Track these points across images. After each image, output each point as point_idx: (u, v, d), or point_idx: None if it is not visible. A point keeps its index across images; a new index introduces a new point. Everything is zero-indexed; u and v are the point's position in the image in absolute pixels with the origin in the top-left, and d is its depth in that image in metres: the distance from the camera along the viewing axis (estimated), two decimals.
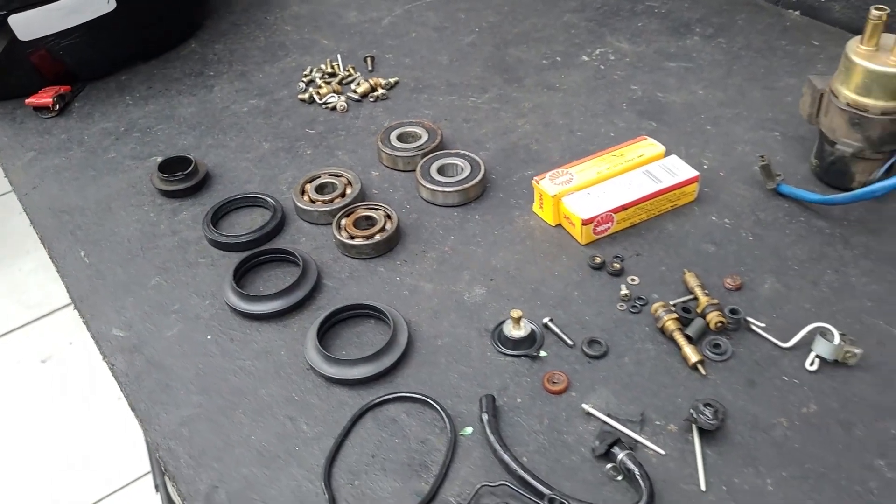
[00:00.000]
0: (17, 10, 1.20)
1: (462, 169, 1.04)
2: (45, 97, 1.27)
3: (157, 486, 2.26)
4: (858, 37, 0.91)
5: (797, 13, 1.32)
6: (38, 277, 2.62)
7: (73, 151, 1.19)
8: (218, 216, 1.03)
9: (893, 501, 0.68)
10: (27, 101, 1.27)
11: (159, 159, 1.11)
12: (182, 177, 1.08)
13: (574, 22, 1.37)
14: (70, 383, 2.29)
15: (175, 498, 1.75)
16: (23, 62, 1.26)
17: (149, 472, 2.26)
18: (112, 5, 1.25)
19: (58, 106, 1.27)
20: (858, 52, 0.90)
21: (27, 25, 1.22)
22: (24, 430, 2.15)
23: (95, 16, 1.25)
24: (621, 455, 0.71)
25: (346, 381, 0.81)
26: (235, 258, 0.95)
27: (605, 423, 0.76)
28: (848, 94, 0.91)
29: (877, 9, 0.87)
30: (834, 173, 0.97)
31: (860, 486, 0.69)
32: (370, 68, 1.30)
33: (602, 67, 1.25)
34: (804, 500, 0.68)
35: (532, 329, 0.84)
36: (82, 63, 1.31)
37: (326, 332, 0.87)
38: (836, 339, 0.78)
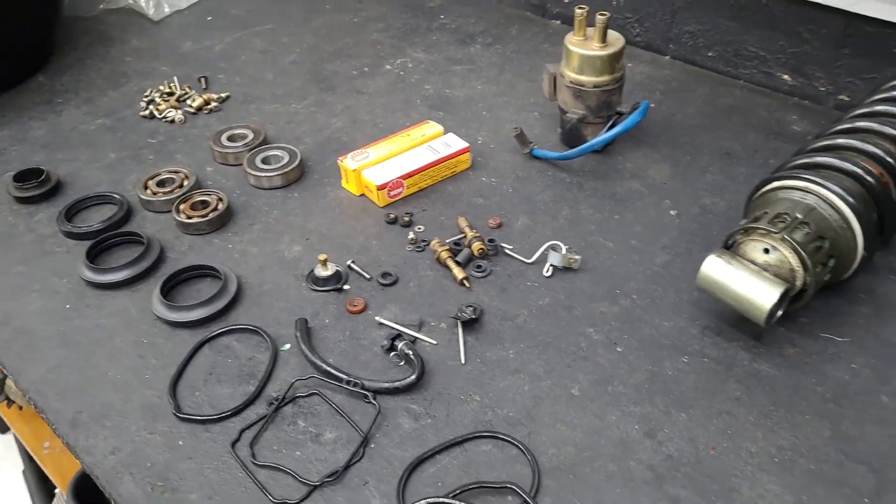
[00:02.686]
0: None
1: (282, 158, 1.25)
2: None
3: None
4: (572, 31, 1.19)
5: (558, 22, 1.62)
6: None
7: None
8: (71, 213, 1.20)
9: (596, 354, 0.93)
10: None
11: (13, 173, 1.26)
12: (36, 184, 1.23)
13: (380, 39, 1.62)
14: None
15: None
16: None
17: None
18: None
19: None
20: (572, 41, 1.18)
21: None
22: None
23: None
24: (400, 345, 0.93)
25: (187, 323, 1.00)
26: (89, 244, 1.12)
27: (393, 328, 0.98)
28: (570, 74, 1.19)
29: (579, 8, 1.15)
30: (572, 137, 1.24)
31: (574, 347, 0.94)
32: (204, 87, 1.50)
33: (402, 73, 1.50)
34: (534, 361, 0.93)
35: (337, 270, 1.05)
36: None
37: (170, 290, 1.05)
38: (563, 251, 1.04)
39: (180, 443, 0.87)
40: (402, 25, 1.66)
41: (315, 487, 0.81)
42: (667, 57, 1.49)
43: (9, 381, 1.93)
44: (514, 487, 0.79)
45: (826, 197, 0.91)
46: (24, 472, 2.37)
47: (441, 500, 0.78)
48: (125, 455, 0.86)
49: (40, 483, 2.28)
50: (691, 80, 1.42)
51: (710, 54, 1.42)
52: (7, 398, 1.97)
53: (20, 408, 2.05)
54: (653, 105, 1.35)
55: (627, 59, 1.47)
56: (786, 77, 1.34)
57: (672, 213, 1.13)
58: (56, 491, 2.14)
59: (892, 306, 0.96)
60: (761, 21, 1.32)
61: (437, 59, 1.54)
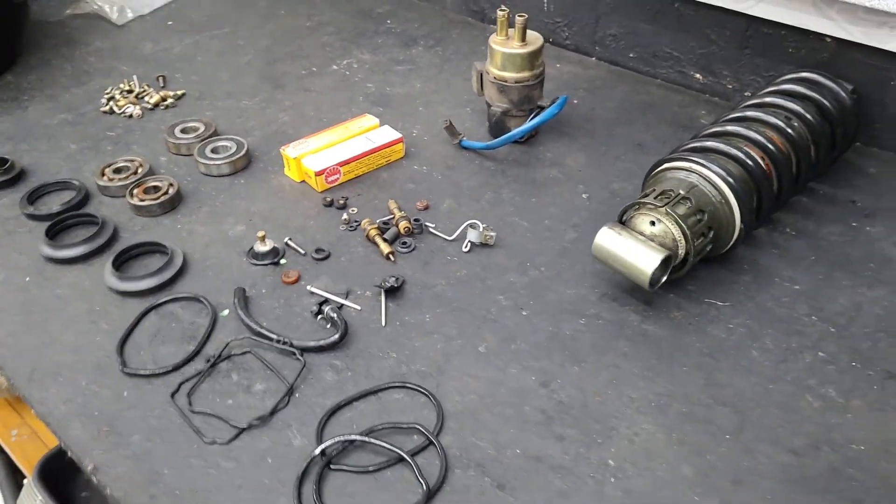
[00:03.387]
0: None
1: (230, 148, 1.35)
2: None
3: None
4: (496, 32, 1.30)
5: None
6: None
7: None
8: (33, 198, 1.29)
9: (504, 318, 1.03)
10: None
11: None
12: (0, 171, 1.33)
13: (330, 42, 1.73)
14: None
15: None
16: None
17: None
18: None
19: None
20: (495, 41, 1.29)
21: None
22: None
23: None
24: (327, 309, 1.03)
25: (135, 293, 1.09)
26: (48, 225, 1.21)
27: (322, 295, 1.08)
28: (494, 71, 1.30)
29: (500, 10, 1.27)
30: (497, 129, 1.35)
31: (485, 312, 1.04)
32: (162, 85, 1.60)
33: (347, 73, 1.61)
34: (448, 324, 1.03)
35: (275, 246, 1.15)
36: None
37: (121, 264, 1.14)
38: (481, 228, 1.15)
39: (125, 394, 0.96)
40: (351, 29, 1.77)
41: (243, 430, 0.91)
42: (593, 58, 1.61)
43: None
44: (419, 427, 0.89)
45: (706, 175, 1.02)
46: None
47: (353, 437, 0.88)
48: (75, 405, 0.95)
49: (9, 477, 2.34)
50: (614, 78, 1.54)
51: (631, 55, 1.54)
52: None
53: None
54: (576, 101, 1.47)
55: (557, 61, 1.60)
56: (697, 76, 1.46)
57: (584, 196, 1.24)
58: (24, 481, 2.20)
59: (771, 275, 1.07)
60: (674, 24, 1.44)
61: (382, 59, 1.64)
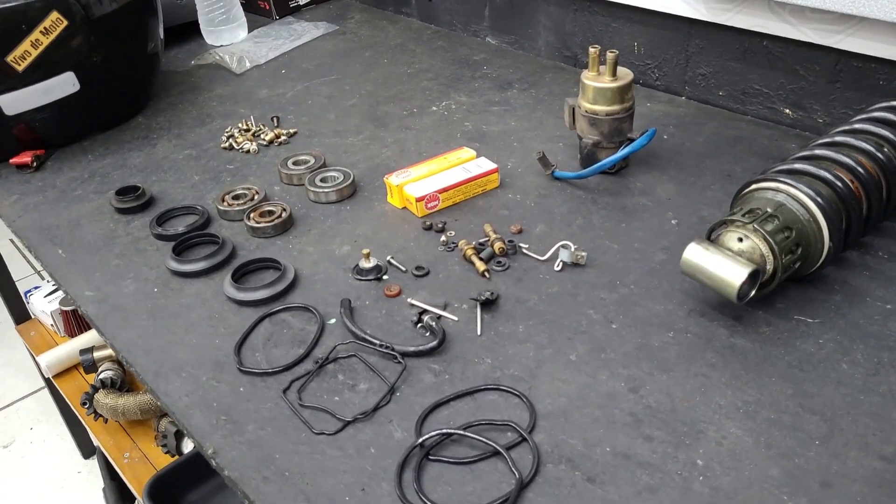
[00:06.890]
0: (3, 92, 1.60)
1: (337, 178, 1.46)
2: (24, 157, 1.66)
3: None
4: (588, 68, 1.37)
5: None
6: None
7: (48, 193, 1.58)
8: (161, 220, 1.42)
9: (594, 330, 1.08)
10: (10, 161, 1.66)
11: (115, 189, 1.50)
12: (133, 198, 1.47)
13: (429, 86, 1.84)
14: (32, 464, 2.63)
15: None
16: (7, 132, 1.65)
17: None
18: (77, 87, 1.66)
19: (35, 164, 1.66)
20: (587, 76, 1.36)
21: (11, 103, 1.62)
22: None
23: (63, 95, 1.65)
24: (426, 318, 1.10)
25: (251, 302, 1.19)
26: (174, 243, 1.34)
27: (421, 307, 1.15)
28: (586, 104, 1.37)
29: (592, 48, 1.34)
30: (588, 160, 1.41)
31: (575, 324, 1.09)
32: (276, 125, 1.73)
33: (446, 114, 1.71)
34: (540, 334, 1.08)
35: (378, 263, 1.24)
36: (53, 132, 1.71)
37: (240, 278, 1.25)
38: (572, 249, 1.20)
39: (241, 389, 1.05)
40: (449, 75, 1.88)
41: (349, 422, 0.97)
42: (683, 98, 1.66)
43: (97, 395, 2.16)
44: (513, 425, 0.94)
45: (794, 194, 1.05)
46: (104, 489, 2.58)
47: (451, 430, 0.93)
48: (196, 397, 1.04)
49: (119, 500, 2.48)
50: (703, 115, 1.58)
51: (720, 93, 1.58)
52: (95, 412, 2.20)
53: (105, 421, 2.27)
54: (665, 137, 1.52)
55: (647, 100, 1.65)
56: (787, 111, 1.49)
57: (673, 222, 1.28)
58: None
59: (862, 295, 1.08)
60: (763, 61, 1.48)
61: (478, 101, 1.74)
